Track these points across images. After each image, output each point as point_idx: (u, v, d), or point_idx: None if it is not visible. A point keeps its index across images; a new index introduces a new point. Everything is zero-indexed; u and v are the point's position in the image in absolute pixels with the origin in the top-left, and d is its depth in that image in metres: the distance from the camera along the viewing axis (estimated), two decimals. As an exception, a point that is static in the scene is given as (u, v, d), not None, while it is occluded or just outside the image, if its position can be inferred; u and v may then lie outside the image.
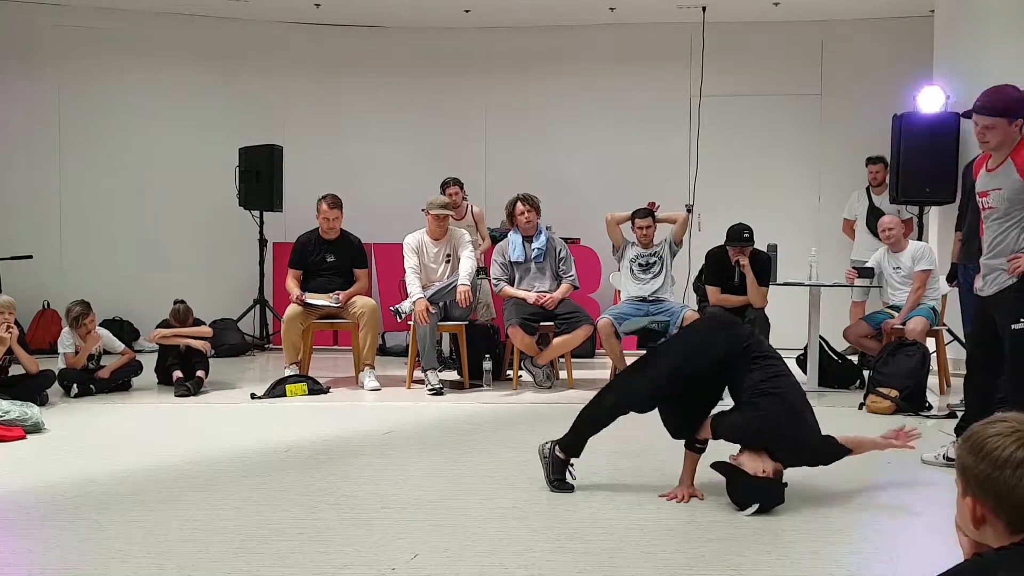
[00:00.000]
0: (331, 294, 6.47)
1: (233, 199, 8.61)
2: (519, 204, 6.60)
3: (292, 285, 6.57)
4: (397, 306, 6.50)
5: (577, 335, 6.34)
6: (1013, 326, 3.78)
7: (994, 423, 1.51)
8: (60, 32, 8.93)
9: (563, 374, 6.63)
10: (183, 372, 6.19)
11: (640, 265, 6.58)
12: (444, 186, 7.70)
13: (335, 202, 6.62)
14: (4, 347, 5.46)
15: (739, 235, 6.21)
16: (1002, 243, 3.85)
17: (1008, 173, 3.79)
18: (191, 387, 6.05)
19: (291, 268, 6.70)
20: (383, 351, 8.23)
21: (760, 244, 6.33)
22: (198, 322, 6.63)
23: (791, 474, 3.51)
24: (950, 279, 6.05)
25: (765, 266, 6.30)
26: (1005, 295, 3.85)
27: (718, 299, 6.33)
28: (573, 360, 6.67)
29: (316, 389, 6.15)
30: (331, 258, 6.64)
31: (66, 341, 6.05)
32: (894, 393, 5.56)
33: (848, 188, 8.57)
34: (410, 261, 6.50)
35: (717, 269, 6.40)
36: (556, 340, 6.41)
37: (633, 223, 6.62)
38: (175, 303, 6.62)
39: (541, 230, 6.67)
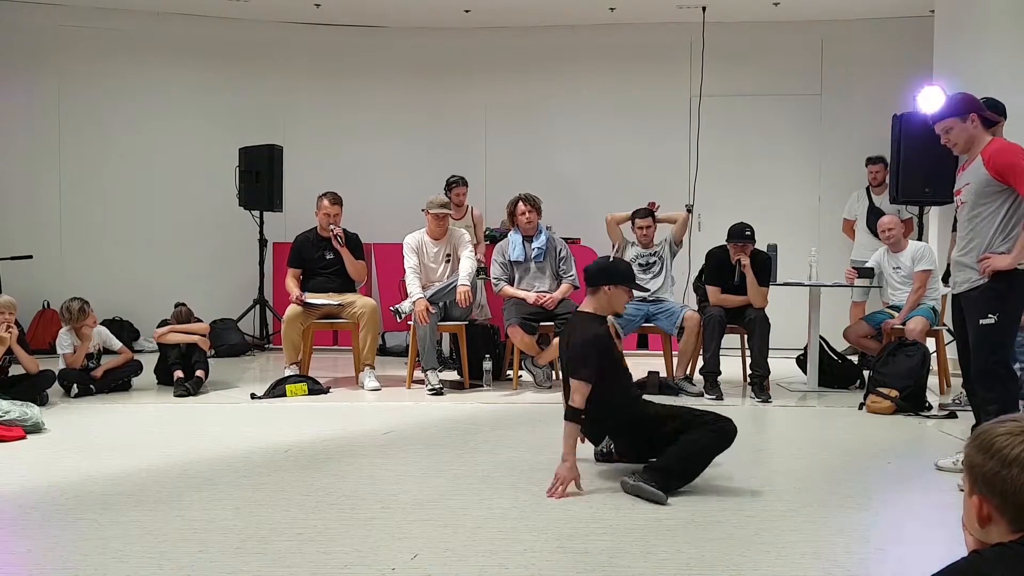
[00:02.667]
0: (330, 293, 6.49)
1: (233, 199, 8.62)
2: (520, 204, 6.60)
3: (292, 285, 6.57)
4: (397, 306, 6.50)
5: (577, 335, 6.34)
6: (981, 321, 3.86)
7: (1004, 422, 1.52)
8: (60, 32, 8.94)
9: (563, 374, 6.63)
10: (183, 371, 6.20)
11: (640, 265, 6.57)
12: (452, 185, 7.72)
13: (336, 199, 6.66)
14: (4, 347, 5.46)
15: (740, 233, 6.21)
16: (974, 240, 3.92)
17: (976, 168, 3.89)
18: (191, 387, 6.05)
19: (290, 267, 6.71)
20: (383, 351, 8.23)
21: (760, 244, 6.33)
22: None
23: (791, 473, 3.47)
24: (945, 279, 6.06)
25: (765, 266, 6.30)
26: (974, 293, 3.92)
27: (718, 299, 6.33)
28: (573, 360, 6.65)
29: (316, 389, 6.15)
30: (330, 255, 6.65)
31: (64, 341, 6.04)
32: (894, 393, 5.56)
33: (848, 188, 8.57)
34: (410, 261, 6.50)
35: (717, 269, 6.40)
36: (556, 340, 6.41)
37: (633, 223, 6.62)
38: (176, 305, 6.67)
39: (541, 230, 6.67)
